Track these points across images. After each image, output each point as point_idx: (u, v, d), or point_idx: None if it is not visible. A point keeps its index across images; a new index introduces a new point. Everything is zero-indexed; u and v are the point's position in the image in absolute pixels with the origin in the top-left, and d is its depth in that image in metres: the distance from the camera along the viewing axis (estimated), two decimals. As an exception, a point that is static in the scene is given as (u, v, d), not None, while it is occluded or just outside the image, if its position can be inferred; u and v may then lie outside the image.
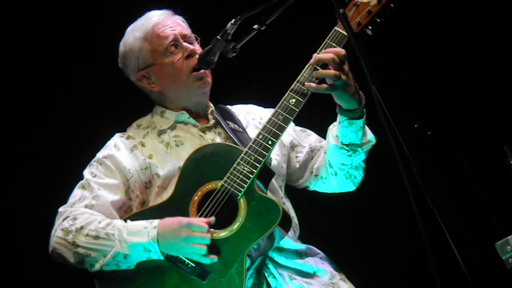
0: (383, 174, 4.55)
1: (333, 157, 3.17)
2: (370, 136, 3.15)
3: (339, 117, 3.07)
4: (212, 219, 2.93)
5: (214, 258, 2.90)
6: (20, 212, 4.38)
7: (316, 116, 3.51)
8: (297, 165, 3.33)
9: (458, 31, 4.54)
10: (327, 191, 3.33)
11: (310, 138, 3.37)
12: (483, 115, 4.56)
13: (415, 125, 4.19)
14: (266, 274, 3.06)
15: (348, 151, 3.11)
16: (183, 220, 2.93)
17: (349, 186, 3.27)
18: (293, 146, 3.34)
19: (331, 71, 2.93)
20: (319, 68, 2.97)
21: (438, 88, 4.64)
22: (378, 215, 4.79)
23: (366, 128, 3.13)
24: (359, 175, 3.23)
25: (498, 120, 4.51)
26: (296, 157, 3.34)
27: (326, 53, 2.95)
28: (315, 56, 2.97)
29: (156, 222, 2.96)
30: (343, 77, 2.92)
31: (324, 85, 2.96)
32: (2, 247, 4.38)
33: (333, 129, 3.15)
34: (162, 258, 2.94)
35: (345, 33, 2.96)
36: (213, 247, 2.93)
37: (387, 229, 4.78)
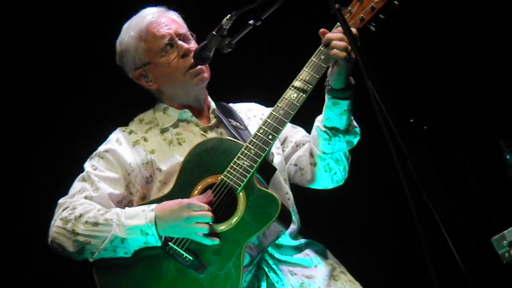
0: (380, 168, 4.56)
1: (315, 143, 3.16)
2: (355, 127, 3.14)
3: (326, 98, 3.06)
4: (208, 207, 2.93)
5: (215, 240, 2.92)
6: (20, 208, 4.38)
7: (316, 111, 3.50)
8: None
9: (455, 23, 4.53)
10: (304, 185, 3.30)
11: (298, 134, 3.36)
12: (479, 110, 4.56)
13: (411, 120, 4.20)
14: (267, 270, 3.06)
15: (328, 135, 3.09)
16: (183, 201, 2.95)
17: (326, 181, 3.24)
18: (283, 141, 3.35)
19: (342, 53, 2.92)
20: (324, 65, 2.97)
21: (434, 83, 4.64)
22: (375, 210, 4.80)
23: (353, 121, 3.12)
24: (339, 172, 3.21)
25: (494, 114, 4.51)
26: (283, 151, 3.33)
27: (335, 33, 2.97)
28: (326, 35, 2.97)
29: (154, 205, 2.98)
30: (352, 55, 2.92)
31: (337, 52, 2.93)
32: (2, 243, 4.38)
33: (319, 116, 3.15)
34: (159, 243, 2.94)
35: (352, 28, 2.93)
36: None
37: (384, 223, 4.78)
